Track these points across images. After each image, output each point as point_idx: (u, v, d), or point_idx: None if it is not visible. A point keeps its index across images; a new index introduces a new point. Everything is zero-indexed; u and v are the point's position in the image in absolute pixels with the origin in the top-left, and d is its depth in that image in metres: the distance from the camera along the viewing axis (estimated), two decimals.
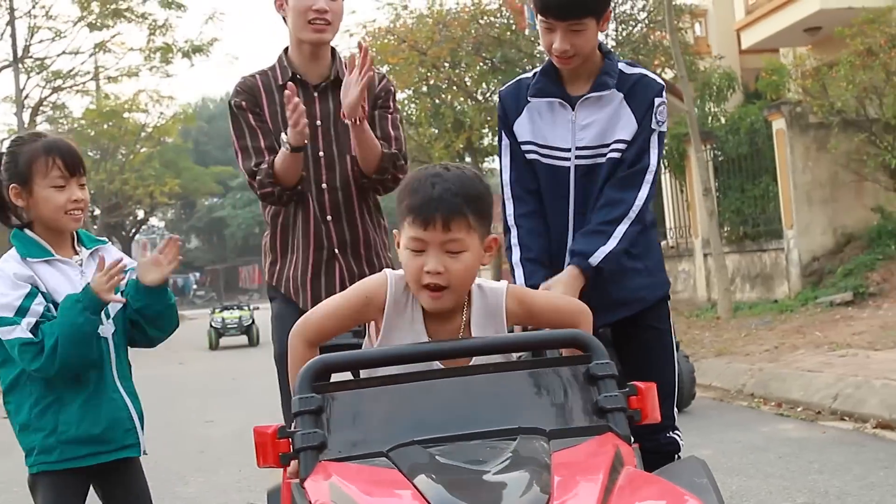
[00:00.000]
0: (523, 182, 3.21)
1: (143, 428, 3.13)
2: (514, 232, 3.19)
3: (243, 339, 20.39)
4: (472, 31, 17.04)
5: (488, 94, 19.75)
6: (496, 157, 22.88)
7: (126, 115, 29.68)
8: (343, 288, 3.40)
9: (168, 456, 7.66)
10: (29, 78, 23.79)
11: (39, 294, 2.93)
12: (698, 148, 13.14)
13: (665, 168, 17.79)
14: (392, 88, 3.76)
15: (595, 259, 3.02)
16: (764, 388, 8.43)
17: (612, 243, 3.04)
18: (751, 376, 8.82)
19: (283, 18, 3.63)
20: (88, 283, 2.92)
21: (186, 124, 34.72)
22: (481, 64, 17.42)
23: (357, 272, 3.57)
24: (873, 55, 12.24)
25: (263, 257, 3.81)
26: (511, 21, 17.81)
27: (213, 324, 20.36)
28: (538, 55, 17.83)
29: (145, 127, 31.28)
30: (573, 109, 3.13)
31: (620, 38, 16.87)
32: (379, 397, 2.34)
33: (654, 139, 3.12)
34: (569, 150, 3.13)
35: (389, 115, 3.68)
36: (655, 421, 2.45)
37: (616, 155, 3.10)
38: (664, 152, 16.15)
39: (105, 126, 29.40)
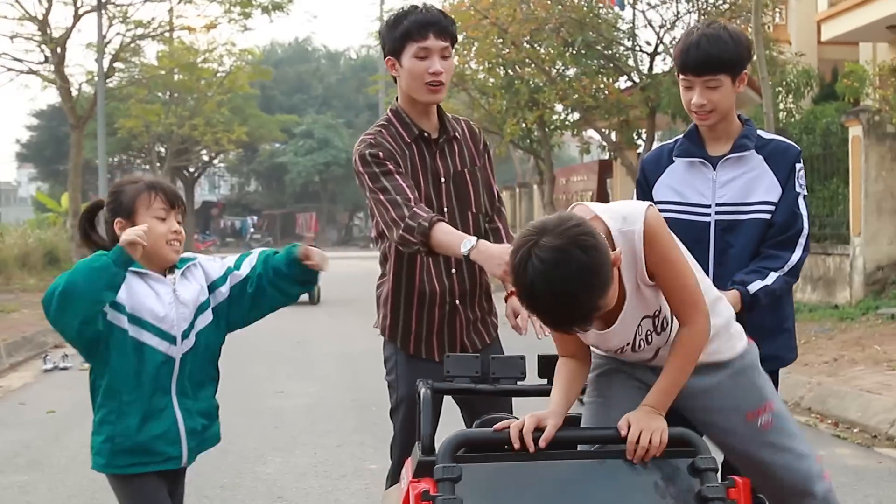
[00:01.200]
0: None
1: (192, 442, 3.40)
2: None
3: (304, 296, 20.74)
4: (556, 12, 17.10)
5: (563, 71, 19.83)
6: (564, 132, 23.09)
7: (200, 64, 30.02)
8: (463, 337, 3.70)
9: (244, 430, 8.00)
10: (111, 25, 24.17)
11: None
12: None
13: None
14: (488, 145, 4.02)
15: (753, 287, 3.27)
16: (822, 403, 8.53)
17: (769, 280, 3.29)
18: (809, 390, 8.94)
19: (394, 77, 3.77)
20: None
21: (259, 78, 35.00)
22: (560, 47, 17.46)
23: (473, 319, 3.79)
24: None
25: (378, 307, 3.89)
26: (595, 3, 17.83)
27: None
28: (616, 39, 17.87)
29: (217, 75, 31.64)
30: (714, 169, 3.40)
31: None
32: (511, 471, 2.65)
33: (802, 202, 3.37)
34: (709, 206, 3.39)
35: (490, 166, 3.94)
36: None
37: (764, 216, 3.36)
38: None
39: (176, 77, 29.78)
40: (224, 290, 3.42)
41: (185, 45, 29.58)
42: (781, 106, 16.98)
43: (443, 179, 3.75)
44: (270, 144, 57.21)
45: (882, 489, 6.00)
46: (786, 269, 3.32)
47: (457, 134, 3.82)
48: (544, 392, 3.40)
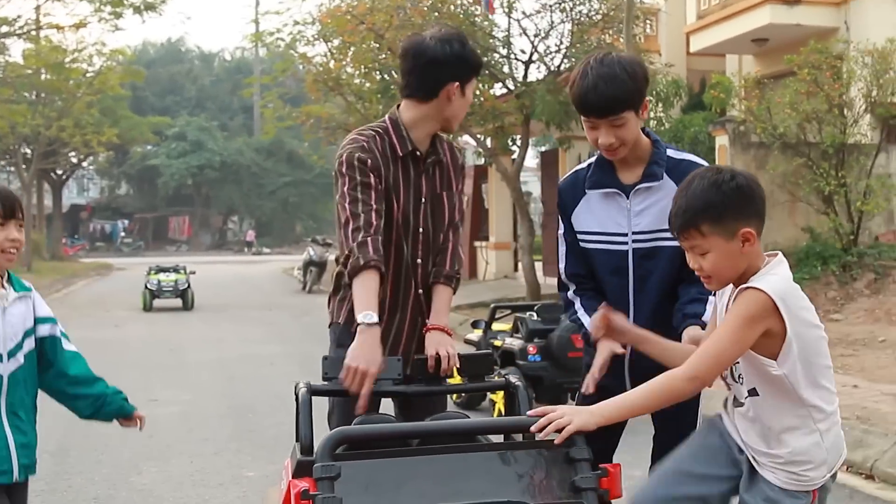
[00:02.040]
0: (577, 269, 3.48)
1: (25, 456, 3.32)
2: (576, 303, 3.48)
3: (178, 301, 20.43)
4: (432, 19, 17.18)
5: None
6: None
7: (69, 64, 29.25)
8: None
9: (117, 440, 7.83)
10: None
11: None
12: None
13: None
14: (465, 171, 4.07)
15: (706, 317, 3.21)
16: None
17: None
18: None
19: (432, 95, 3.65)
20: None
21: (131, 79, 34.28)
22: None
23: (416, 340, 3.74)
24: (818, 86, 12.73)
25: (333, 292, 3.81)
26: (470, 11, 17.99)
27: (148, 285, 20.30)
28: (492, 47, 18.07)
29: (86, 76, 30.88)
30: (628, 198, 3.35)
31: (574, 40, 17.14)
32: (389, 467, 2.70)
33: None
34: (626, 234, 3.35)
35: (463, 183, 3.99)
36: (618, 497, 2.88)
37: (673, 244, 3.19)
38: None
39: (43, 76, 28.97)
40: (44, 329, 3.38)
41: (53, 43, 28.79)
42: (652, 115, 17.43)
43: (423, 200, 3.73)
44: (142, 146, 56.01)
45: None
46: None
47: (443, 157, 3.82)
48: (465, 390, 3.55)
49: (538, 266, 19.42)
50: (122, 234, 61.52)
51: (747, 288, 2.70)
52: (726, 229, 2.74)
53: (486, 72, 18.02)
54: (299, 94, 33.55)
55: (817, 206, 13.60)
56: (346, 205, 3.55)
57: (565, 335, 7.89)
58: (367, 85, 21.47)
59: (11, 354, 3.24)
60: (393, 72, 19.94)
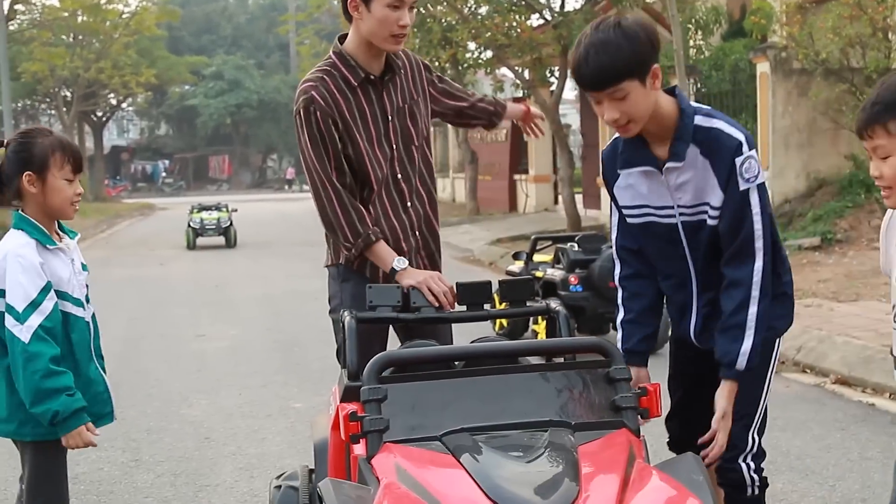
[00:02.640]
0: (627, 243, 3.24)
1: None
2: (619, 293, 3.27)
3: (220, 239, 20.63)
4: None
5: (475, 9, 19.79)
6: (478, 71, 23.11)
7: (105, 5, 29.27)
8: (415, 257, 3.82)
9: (168, 373, 8.02)
10: None
11: (52, 290, 3.19)
12: (683, 86, 13.37)
13: None
14: (432, 69, 4.03)
15: (741, 364, 3.00)
16: None
17: (748, 339, 3.00)
18: None
19: (347, 17, 3.69)
20: (81, 422, 3.16)
21: (167, 19, 34.28)
22: None
23: (427, 243, 3.89)
24: (862, 9, 12.49)
25: (328, 237, 3.89)
26: None
27: (191, 224, 20.50)
28: None
29: (123, 17, 30.92)
30: (662, 173, 3.05)
31: None
32: (434, 389, 2.78)
33: (752, 198, 2.99)
34: (672, 207, 3.09)
35: (441, 83, 4.02)
36: (657, 416, 2.90)
37: (713, 222, 3.04)
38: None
39: (80, 19, 29.04)
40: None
41: None
42: (691, 43, 17.22)
43: (390, 117, 3.77)
44: (180, 87, 56.16)
45: (788, 411, 6.27)
46: (754, 294, 3.00)
47: (400, 70, 3.81)
48: (463, 319, 3.59)
49: (578, 198, 19.37)
50: (163, 174, 61.97)
51: None
52: None
53: (523, 2, 17.87)
54: (335, 30, 33.41)
55: None
56: (314, 173, 3.67)
57: (607, 265, 7.89)
58: None
59: (88, 300, 3.41)
60: (430, 4, 19.81)
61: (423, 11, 20.21)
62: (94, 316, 3.45)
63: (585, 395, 2.83)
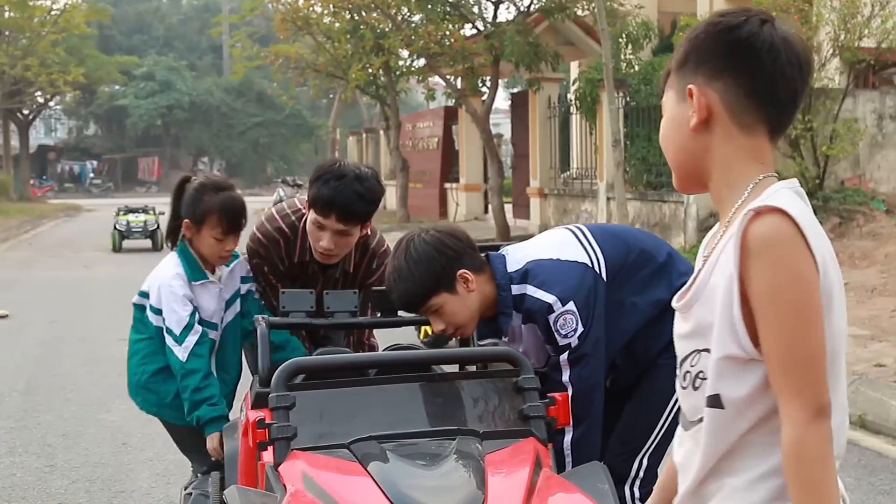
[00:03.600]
0: None
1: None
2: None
3: (147, 242, 20.37)
4: None
5: (408, 17, 19.83)
6: (410, 79, 23.17)
7: (32, 1, 28.77)
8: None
9: (87, 378, 7.91)
10: None
11: (198, 313, 3.71)
12: (611, 100, 13.55)
13: (576, 110, 18.22)
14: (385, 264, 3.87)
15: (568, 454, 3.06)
16: None
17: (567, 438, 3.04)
18: None
19: None
20: (219, 430, 3.59)
21: (97, 17, 33.80)
22: None
23: None
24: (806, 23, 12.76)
25: (249, 256, 4.01)
26: None
27: (117, 226, 20.20)
28: None
29: (51, 14, 30.43)
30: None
31: None
32: (342, 396, 2.78)
33: (563, 358, 3.03)
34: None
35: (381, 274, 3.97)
36: (566, 425, 2.95)
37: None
38: (578, 97, 16.21)
39: (6, 14, 28.52)
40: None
41: None
42: (622, 57, 17.43)
43: (325, 292, 3.76)
44: (110, 86, 55.32)
45: None
46: (569, 429, 3.01)
47: (351, 270, 3.83)
48: (376, 325, 3.68)
49: (508, 208, 19.49)
50: (91, 175, 60.98)
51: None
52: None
53: (457, 12, 17.96)
54: (268, 34, 33.23)
55: (784, 150, 13.68)
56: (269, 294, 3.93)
57: None
58: (337, 24, 21.34)
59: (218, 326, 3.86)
60: (363, 11, 19.83)
61: (356, 18, 20.23)
62: (229, 334, 3.86)
63: (494, 404, 2.87)
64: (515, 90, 30.40)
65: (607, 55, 13.49)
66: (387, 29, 19.68)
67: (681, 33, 14.97)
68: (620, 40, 17.19)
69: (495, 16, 17.95)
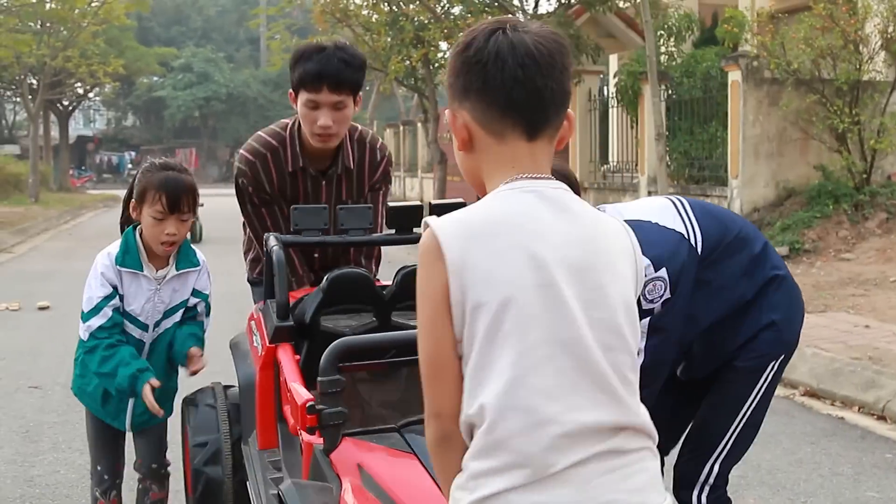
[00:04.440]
0: None
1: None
2: None
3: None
4: None
5: (448, 8, 19.73)
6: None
7: None
8: None
9: None
10: None
11: (116, 297, 3.47)
12: (655, 93, 13.36)
13: (617, 103, 18.05)
14: (390, 172, 3.93)
15: None
16: None
17: None
18: None
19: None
20: (146, 381, 3.35)
21: (136, 9, 33.94)
22: None
23: None
24: (834, 21, 12.53)
25: (245, 251, 4.07)
26: None
27: None
28: None
29: (91, 5, 30.56)
30: None
31: None
32: (389, 377, 2.68)
33: (644, 323, 2.90)
34: None
35: (379, 198, 3.90)
36: None
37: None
38: (619, 90, 16.05)
39: (48, 6, 28.66)
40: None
41: None
42: (663, 49, 17.24)
43: (324, 206, 3.66)
44: (148, 78, 55.68)
45: None
46: None
47: (351, 166, 3.73)
48: (391, 242, 3.53)
49: None
50: (129, 165, 61.37)
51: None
52: None
53: (497, 4, 17.82)
54: (306, 26, 33.27)
55: (830, 144, 13.48)
56: (251, 225, 3.84)
57: None
58: (375, 17, 21.26)
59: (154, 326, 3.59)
60: (402, 3, 19.73)
61: (396, 10, 20.13)
62: (159, 342, 3.58)
63: None
64: None
65: (651, 47, 13.31)
66: (426, 21, 19.57)
67: (725, 25, 14.77)
68: (662, 32, 16.99)
69: (536, 7, 17.79)
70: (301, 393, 2.63)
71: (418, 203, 3.44)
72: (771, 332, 3.07)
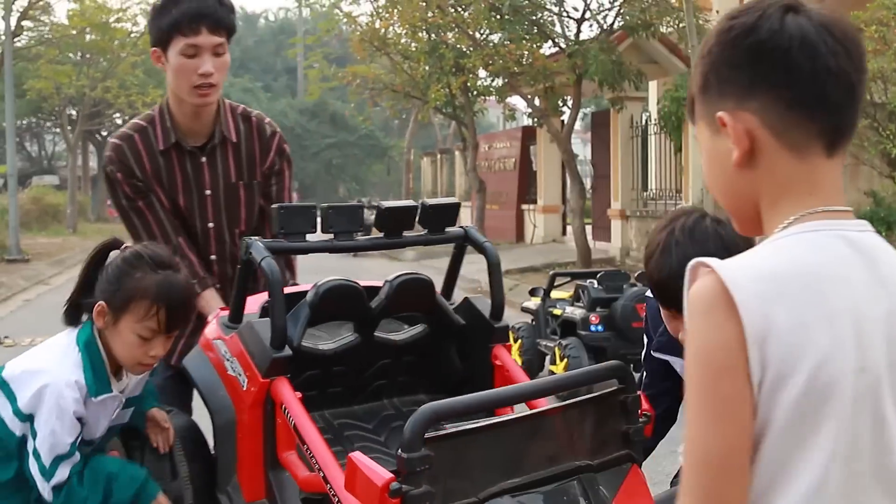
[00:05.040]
0: None
1: None
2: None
3: None
4: None
5: (487, 35, 19.56)
6: (487, 98, 22.87)
7: (113, 24, 29.13)
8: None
9: None
10: None
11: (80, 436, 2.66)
12: None
13: (660, 129, 17.78)
14: (286, 149, 3.53)
15: None
16: None
17: None
18: None
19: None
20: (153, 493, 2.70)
21: None
22: (487, 11, 17.18)
23: None
24: (887, 44, 12.22)
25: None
26: None
27: None
28: (543, 5, 17.66)
29: (131, 36, 30.76)
30: None
31: None
32: (469, 443, 2.39)
33: None
34: None
35: (284, 183, 3.52)
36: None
37: None
38: (663, 116, 15.79)
39: (87, 37, 28.88)
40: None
41: (98, 3, 28.67)
42: None
43: (208, 192, 3.34)
44: None
45: None
46: None
47: (234, 137, 3.34)
48: (382, 246, 3.04)
49: (587, 230, 19.07)
50: None
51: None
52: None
53: (535, 29, 17.64)
54: (344, 55, 33.27)
55: (881, 170, 13.13)
56: (130, 228, 3.34)
57: (629, 304, 7.61)
58: (414, 45, 21.15)
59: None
60: (441, 31, 19.60)
61: (435, 37, 20.00)
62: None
63: (601, 427, 2.58)
64: (589, 110, 29.95)
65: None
66: (465, 49, 19.41)
67: None
68: None
69: (578, 34, 17.57)
70: (377, 471, 2.23)
71: (412, 205, 2.99)
72: None
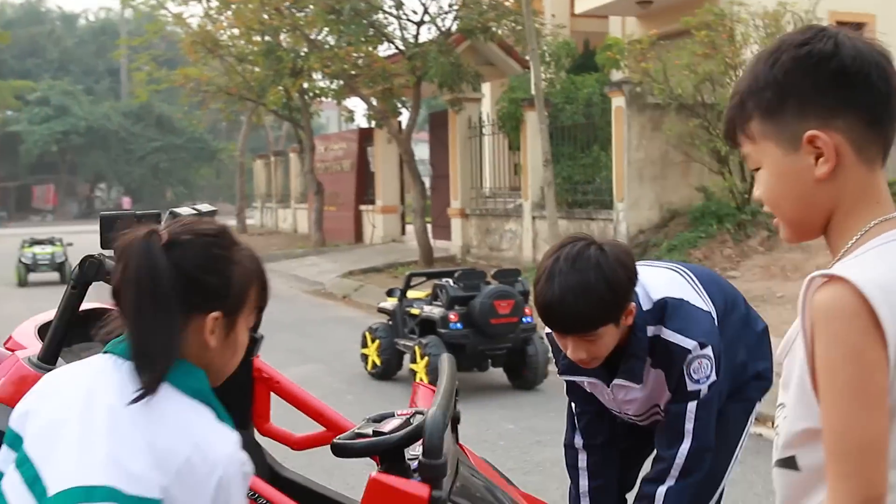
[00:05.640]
0: (584, 406, 3.07)
1: None
2: (583, 457, 3.09)
3: (55, 275, 19.57)
4: None
5: (325, 37, 19.48)
6: (323, 98, 22.77)
7: None
8: None
9: None
10: None
11: None
12: (542, 119, 13.42)
13: (498, 130, 18.11)
14: None
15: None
16: None
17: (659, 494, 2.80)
18: None
19: None
20: None
21: None
22: (325, 13, 17.11)
23: None
24: (716, 48, 12.81)
25: None
26: None
27: (22, 259, 19.31)
28: (381, 7, 17.72)
29: None
30: (608, 385, 2.85)
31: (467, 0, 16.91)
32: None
33: (692, 406, 2.75)
34: (619, 411, 2.97)
35: None
36: None
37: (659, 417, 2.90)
38: (501, 117, 16.03)
39: None
40: None
41: None
42: (544, 76, 17.38)
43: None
44: (2, 112, 53.71)
45: None
46: (663, 487, 2.79)
47: None
48: None
49: (428, 229, 19.26)
50: None
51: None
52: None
53: (371, 31, 17.69)
54: (174, 57, 32.55)
55: (711, 167, 13.74)
56: None
57: (487, 302, 7.76)
58: (250, 47, 20.90)
59: None
60: (277, 33, 19.43)
61: (271, 40, 19.80)
62: None
63: None
64: (423, 111, 30.19)
65: (537, 75, 13.40)
66: (301, 51, 19.29)
67: (608, 52, 14.96)
68: (549, 59, 17.17)
69: (417, 35, 17.72)
70: (413, 485, 2.13)
71: (211, 207, 2.82)
72: (758, 381, 3.10)
